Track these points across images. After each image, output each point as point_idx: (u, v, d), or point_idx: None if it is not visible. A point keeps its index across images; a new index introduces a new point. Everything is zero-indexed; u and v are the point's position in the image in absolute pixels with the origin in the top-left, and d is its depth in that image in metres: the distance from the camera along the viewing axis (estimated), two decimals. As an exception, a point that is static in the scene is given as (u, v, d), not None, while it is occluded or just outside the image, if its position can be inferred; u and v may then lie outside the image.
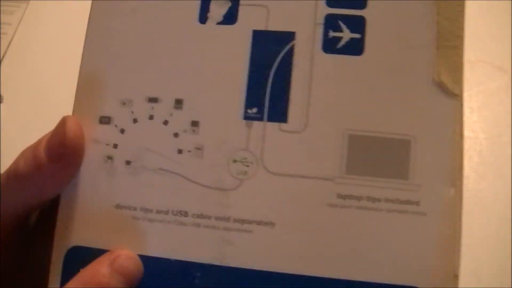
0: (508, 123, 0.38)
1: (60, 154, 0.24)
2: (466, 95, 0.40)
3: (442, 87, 0.24)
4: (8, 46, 0.54)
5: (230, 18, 0.25)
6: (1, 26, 0.56)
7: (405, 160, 0.24)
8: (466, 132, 0.37)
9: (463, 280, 0.35)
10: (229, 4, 0.25)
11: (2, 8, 0.57)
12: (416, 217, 0.23)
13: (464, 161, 0.34)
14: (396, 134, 0.24)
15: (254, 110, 0.25)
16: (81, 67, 0.26)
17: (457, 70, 0.24)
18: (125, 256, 0.24)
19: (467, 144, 0.37)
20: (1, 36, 0.55)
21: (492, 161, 0.37)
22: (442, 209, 0.23)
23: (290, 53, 0.25)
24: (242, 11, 0.25)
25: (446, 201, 0.23)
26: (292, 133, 0.24)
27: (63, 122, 0.25)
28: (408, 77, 0.24)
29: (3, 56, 0.54)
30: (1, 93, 0.50)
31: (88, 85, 0.26)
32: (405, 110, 0.24)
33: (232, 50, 0.25)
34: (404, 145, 0.24)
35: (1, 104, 0.50)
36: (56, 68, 0.52)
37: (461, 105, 0.24)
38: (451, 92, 0.24)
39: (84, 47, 0.26)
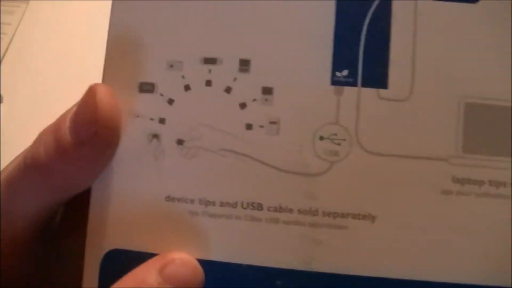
0: None
1: (90, 135, 0.18)
2: None
3: None
4: (8, 46, 0.55)
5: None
6: (1, 26, 0.56)
7: (535, 135, 0.19)
8: None
9: None
10: None
11: (2, 8, 0.57)
12: (548, 205, 0.19)
13: None
14: (523, 102, 0.19)
15: (345, 72, 0.19)
16: (110, 26, 0.20)
17: None
18: (180, 261, 0.18)
19: None
20: (1, 36, 0.55)
21: None
22: None
23: (387, 4, 0.19)
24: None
25: None
26: (394, 101, 0.19)
27: (92, 92, 0.19)
28: None
29: (3, 56, 0.54)
30: (1, 93, 0.50)
31: (121, 47, 0.20)
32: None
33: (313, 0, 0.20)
34: (533, 115, 0.19)
35: (1, 104, 0.50)
36: (56, 68, 0.52)
37: None
38: None
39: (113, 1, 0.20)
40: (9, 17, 0.57)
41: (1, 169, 0.21)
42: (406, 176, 0.19)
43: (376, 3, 0.19)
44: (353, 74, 0.19)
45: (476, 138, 0.19)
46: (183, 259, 0.19)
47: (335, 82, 0.19)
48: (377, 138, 0.19)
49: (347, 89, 0.19)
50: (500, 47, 0.19)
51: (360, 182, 0.19)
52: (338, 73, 0.19)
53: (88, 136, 0.18)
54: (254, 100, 0.19)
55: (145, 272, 0.18)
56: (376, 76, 0.19)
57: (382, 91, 0.19)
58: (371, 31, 0.19)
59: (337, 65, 0.19)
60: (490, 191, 0.19)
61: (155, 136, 0.19)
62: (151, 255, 0.19)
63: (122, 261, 0.19)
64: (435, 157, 0.19)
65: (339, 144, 0.19)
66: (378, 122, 0.19)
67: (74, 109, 0.19)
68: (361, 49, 0.19)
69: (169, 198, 0.19)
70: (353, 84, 0.19)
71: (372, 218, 0.19)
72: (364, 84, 0.19)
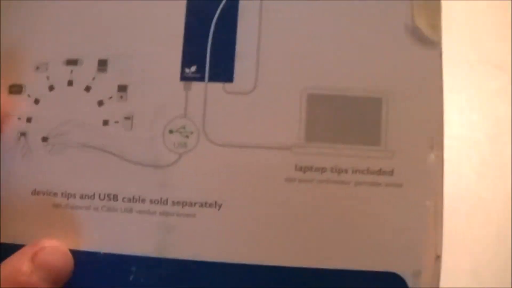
0: (508, 123, 0.37)
1: None
2: (466, 95, 0.38)
3: (417, 33, 0.20)
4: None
5: (161, -41, 0.21)
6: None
7: (376, 122, 0.20)
8: (466, 132, 0.36)
9: (463, 280, 0.34)
10: None
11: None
12: (390, 189, 0.19)
13: (464, 161, 0.35)
14: (364, 92, 0.20)
15: (193, 68, 0.20)
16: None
17: (435, 12, 0.20)
18: (50, 248, 0.20)
19: (467, 144, 0.36)
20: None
21: (492, 161, 0.36)
22: (420, 178, 0.19)
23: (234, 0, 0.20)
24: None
25: (425, 168, 0.20)
26: (239, 94, 0.20)
27: None
28: (376, 23, 0.20)
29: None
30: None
31: (4, 55, 0.21)
32: (373, 63, 0.20)
33: None
34: (374, 104, 0.20)
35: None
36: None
37: (440, 54, 0.20)
38: (428, 39, 0.20)
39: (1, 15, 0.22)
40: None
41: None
42: (251, 165, 0.20)
43: (223, 1, 0.20)
44: (201, 69, 0.20)
45: (318, 127, 0.20)
46: (53, 246, 0.20)
47: (184, 78, 0.20)
48: (223, 130, 0.20)
49: (195, 84, 0.20)
50: (342, 40, 0.20)
51: (207, 172, 0.20)
52: (187, 69, 0.20)
53: None
54: (110, 97, 0.20)
55: (18, 260, 0.19)
56: (222, 71, 0.20)
57: (228, 85, 0.20)
58: (219, 29, 0.20)
59: (186, 62, 0.20)
60: (332, 178, 0.20)
61: (23, 134, 0.21)
62: (21, 247, 0.20)
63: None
64: (279, 147, 0.20)
65: (187, 136, 0.20)
66: (224, 114, 0.20)
67: None
68: (209, 45, 0.20)
69: (35, 192, 0.21)
70: (201, 79, 0.20)
71: (218, 206, 0.20)
72: (211, 79, 0.20)
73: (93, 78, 0.21)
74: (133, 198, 0.20)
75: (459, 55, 0.38)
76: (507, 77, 0.37)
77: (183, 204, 0.20)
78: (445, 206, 0.35)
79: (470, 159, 0.35)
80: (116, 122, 0.20)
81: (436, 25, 0.20)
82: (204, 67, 0.20)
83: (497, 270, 0.34)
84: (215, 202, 0.20)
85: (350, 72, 0.20)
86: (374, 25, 0.20)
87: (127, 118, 0.20)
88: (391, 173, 0.19)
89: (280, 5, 0.20)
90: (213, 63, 0.20)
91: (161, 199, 0.20)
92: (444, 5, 0.41)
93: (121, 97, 0.20)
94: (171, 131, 0.20)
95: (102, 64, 0.21)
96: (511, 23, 0.38)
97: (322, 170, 0.20)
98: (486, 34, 0.38)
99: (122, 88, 0.20)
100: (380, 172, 0.19)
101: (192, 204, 0.20)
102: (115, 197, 0.20)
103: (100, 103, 0.20)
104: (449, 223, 0.36)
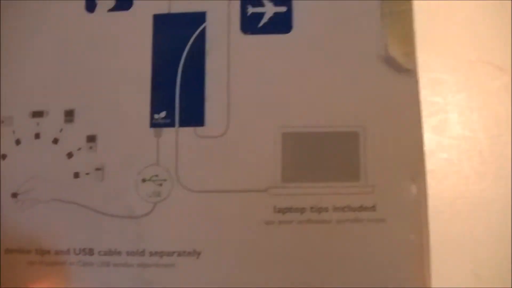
0: (508, 123, 0.35)
1: None
2: (466, 95, 0.38)
3: (391, 62, 0.20)
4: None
5: (123, 2, 0.20)
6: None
7: (354, 157, 0.19)
8: (466, 132, 0.35)
9: (463, 280, 0.32)
10: (120, -16, 0.20)
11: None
12: (373, 225, 0.19)
13: (464, 161, 0.33)
14: (340, 126, 0.19)
15: (163, 114, 0.20)
16: None
17: (408, 39, 0.20)
18: None
19: (467, 144, 0.34)
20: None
21: (492, 161, 0.34)
22: (403, 212, 0.19)
23: (201, 39, 0.20)
24: (137, -8, 0.20)
25: (407, 201, 0.19)
26: (211, 138, 0.19)
27: None
28: (348, 55, 0.20)
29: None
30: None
31: None
32: (347, 96, 0.19)
33: (130, 42, 0.20)
34: (351, 138, 0.19)
35: None
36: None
37: (416, 81, 0.20)
38: (402, 68, 0.20)
39: None
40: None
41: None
42: (228, 210, 0.19)
43: (190, 43, 0.20)
44: (170, 115, 0.20)
45: (295, 166, 0.19)
46: None
47: (154, 124, 0.20)
48: (197, 175, 0.19)
49: (166, 130, 0.20)
50: (314, 74, 0.20)
51: (183, 220, 0.19)
52: (156, 115, 0.20)
53: None
54: (79, 149, 0.20)
55: None
56: (193, 114, 0.20)
57: (199, 129, 0.20)
58: (187, 72, 0.20)
59: (155, 108, 0.20)
60: (312, 218, 0.19)
61: (-8, 191, 0.20)
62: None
63: None
64: (256, 189, 0.19)
65: (160, 184, 0.19)
66: (197, 160, 0.19)
67: None
68: (178, 89, 0.20)
69: (8, 251, 0.20)
70: (171, 124, 0.20)
71: (197, 254, 0.19)
72: (182, 124, 0.20)
73: (61, 130, 0.20)
74: (109, 251, 0.19)
75: (459, 55, 0.36)
76: (507, 77, 0.35)
77: (161, 254, 0.19)
78: (445, 206, 0.33)
79: (470, 159, 0.33)
80: (87, 174, 0.20)
81: (410, 53, 0.20)
82: (174, 112, 0.20)
83: (497, 270, 0.33)
84: (194, 250, 0.19)
85: (324, 107, 0.19)
86: (346, 57, 0.20)
87: (98, 169, 0.20)
88: (373, 208, 0.19)
89: (248, 44, 0.20)
90: (183, 108, 0.20)
91: (137, 250, 0.19)
92: (444, 5, 0.40)
93: (91, 147, 0.20)
94: (144, 180, 0.19)
95: (69, 115, 0.20)
96: (511, 23, 0.35)
97: (302, 210, 0.19)
98: (486, 34, 0.36)
99: (91, 139, 0.20)
100: (361, 208, 0.19)
101: (170, 254, 0.19)
102: (90, 251, 0.19)
103: (70, 155, 0.20)
104: (449, 223, 0.33)
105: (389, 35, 0.20)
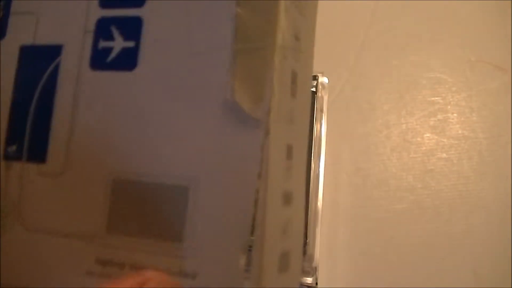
0: (508, 123, 0.36)
1: None
2: (466, 95, 0.38)
3: (236, 110, 0.17)
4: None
5: None
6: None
7: (181, 215, 0.17)
8: (466, 132, 0.36)
9: (463, 280, 0.33)
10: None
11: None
12: (194, 296, 0.17)
13: (464, 161, 0.34)
14: (169, 179, 0.17)
15: (14, 147, 0.20)
16: None
17: (262, 83, 0.17)
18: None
19: (467, 144, 0.36)
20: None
21: (492, 161, 0.36)
22: (227, 284, 0.16)
23: (55, 73, 0.19)
24: (12, 22, 0.20)
25: (235, 275, 0.16)
26: (50, 176, 0.19)
27: None
28: (191, 97, 0.17)
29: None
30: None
31: None
32: (183, 146, 0.17)
33: None
34: (179, 193, 0.17)
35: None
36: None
37: (266, 133, 0.17)
38: (249, 117, 0.17)
39: None
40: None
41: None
42: (56, 254, 0.18)
43: (45, 76, 0.19)
44: (20, 148, 0.19)
45: (122, 217, 0.18)
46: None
47: (6, 156, 0.20)
48: (36, 214, 0.19)
49: (15, 164, 0.19)
50: (153, 118, 0.18)
51: (20, 257, 0.19)
52: (9, 148, 0.20)
53: None
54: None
55: None
56: (38, 150, 0.19)
57: (42, 166, 0.19)
58: (39, 105, 0.19)
59: (9, 140, 0.20)
60: (133, 276, 0.17)
61: None
62: None
63: None
64: (82, 236, 0.18)
65: (5, 217, 0.19)
66: (37, 198, 0.19)
67: None
68: (29, 123, 0.19)
69: None
70: (20, 158, 0.19)
71: (24, 294, 0.19)
72: (29, 159, 0.19)
73: None
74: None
75: (459, 55, 0.38)
76: (507, 77, 0.37)
77: (-3, 289, 0.19)
78: (445, 206, 0.35)
79: (470, 159, 0.35)
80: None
81: (260, 98, 0.17)
82: (23, 146, 0.19)
83: (497, 270, 0.34)
84: (19, 290, 0.19)
85: (159, 154, 0.17)
86: (188, 100, 0.17)
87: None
88: (193, 276, 0.17)
89: (95, 80, 0.19)
90: (31, 142, 0.19)
91: (-20, 281, 0.19)
92: (444, 5, 0.39)
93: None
94: (-9, 212, 0.20)
95: None
96: (511, 23, 0.37)
97: (121, 266, 0.17)
98: (486, 34, 0.38)
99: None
100: (181, 274, 0.17)
101: (4, 290, 0.19)
102: None
103: None
104: (449, 223, 0.34)
105: (239, 76, 0.17)
